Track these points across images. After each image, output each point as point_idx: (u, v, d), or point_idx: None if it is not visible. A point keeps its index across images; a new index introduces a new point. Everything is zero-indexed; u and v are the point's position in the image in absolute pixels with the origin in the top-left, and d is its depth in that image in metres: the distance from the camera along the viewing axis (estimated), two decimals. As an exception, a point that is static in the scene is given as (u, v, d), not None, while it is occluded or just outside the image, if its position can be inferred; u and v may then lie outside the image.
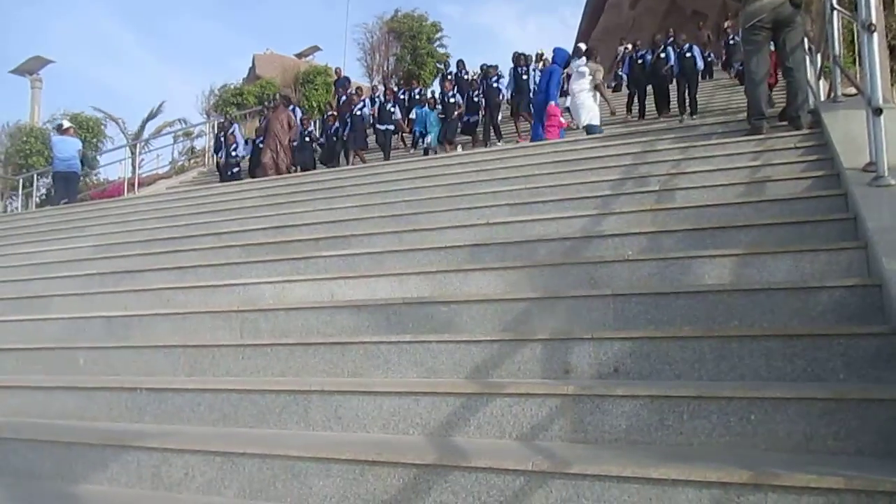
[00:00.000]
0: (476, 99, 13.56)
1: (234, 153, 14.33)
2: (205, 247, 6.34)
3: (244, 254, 5.87)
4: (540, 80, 11.63)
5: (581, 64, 10.75)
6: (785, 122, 6.34)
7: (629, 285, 3.64)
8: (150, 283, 5.56)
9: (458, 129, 13.62)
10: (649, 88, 13.46)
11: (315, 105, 22.40)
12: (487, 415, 2.71)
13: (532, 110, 13.04)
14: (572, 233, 4.57)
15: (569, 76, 11.22)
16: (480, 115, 13.63)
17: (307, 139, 14.53)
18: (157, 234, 7.43)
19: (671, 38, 13.59)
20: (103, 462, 2.96)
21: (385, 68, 29.26)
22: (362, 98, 14.82)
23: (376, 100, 15.15)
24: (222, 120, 16.73)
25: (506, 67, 14.16)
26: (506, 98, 14.14)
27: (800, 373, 2.63)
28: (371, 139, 14.76)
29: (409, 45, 28.36)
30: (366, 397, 2.96)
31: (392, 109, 14.56)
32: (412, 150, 14.50)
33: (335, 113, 14.86)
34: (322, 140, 15.04)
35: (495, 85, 13.71)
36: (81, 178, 14.77)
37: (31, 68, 21.93)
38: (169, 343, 4.09)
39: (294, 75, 26.78)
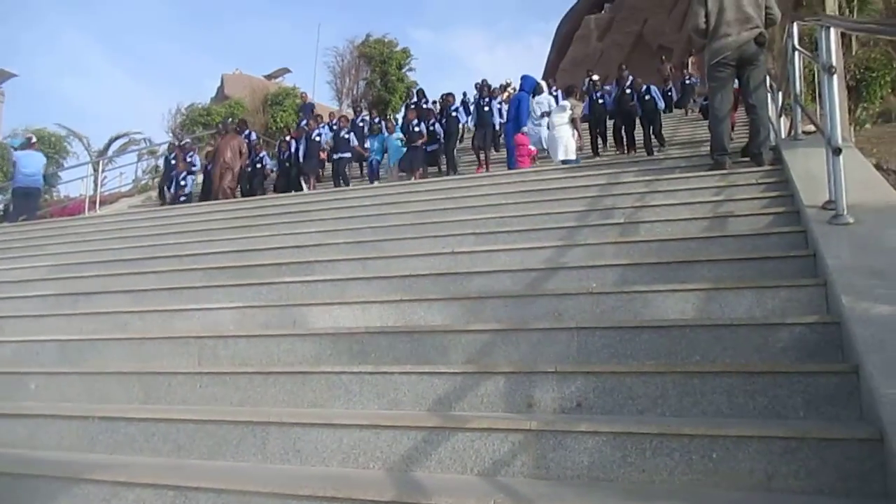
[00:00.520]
0: (431, 128, 13.11)
1: (182, 182, 13.66)
2: (165, 269, 6.22)
3: (205, 278, 5.77)
4: (509, 109, 11.68)
5: (562, 100, 11.10)
6: (747, 159, 6.46)
7: (593, 318, 3.63)
8: (107, 305, 5.43)
9: (423, 159, 13.13)
10: (611, 124, 13.41)
11: (283, 126, 22.33)
12: (449, 449, 2.66)
13: (499, 142, 13.16)
14: (537, 264, 4.57)
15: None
16: (440, 145, 13.27)
17: (259, 165, 14.10)
18: (117, 255, 7.26)
19: (629, 82, 13.26)
20: (52, 495, 2.83)
21: (355, 92, 29.30)
22: (320, 125, 14.49)
23: (334, 126, 14.64)
24: (176, 142, 16.02)
25: (473, 94, 14.11)
26: (468, 128, 13.96)
27: (761, 410, 2.64)
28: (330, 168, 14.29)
29: (380, 69, 28.47)
30: (326, 430, 2.89)
31: (347, 137, 14.04)
32: (368, 182, 13.85)
33: (289, 139, 14.45)
34: (275, 167, 14.57)
35: (454, 114, 13.46)
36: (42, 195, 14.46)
37: (-7, 81, 21.53)
38: (124, 369, 3.98)
39: (263, 96, 26.71)
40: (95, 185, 14.98)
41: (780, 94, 7.06)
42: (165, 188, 14.45)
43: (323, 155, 13.86)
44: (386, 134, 13.97)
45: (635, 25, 31.43)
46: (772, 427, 2.40)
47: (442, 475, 2.62)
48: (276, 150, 15.55)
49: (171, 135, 22.95)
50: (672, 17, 29.30)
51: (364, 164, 14.89)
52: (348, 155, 14.05)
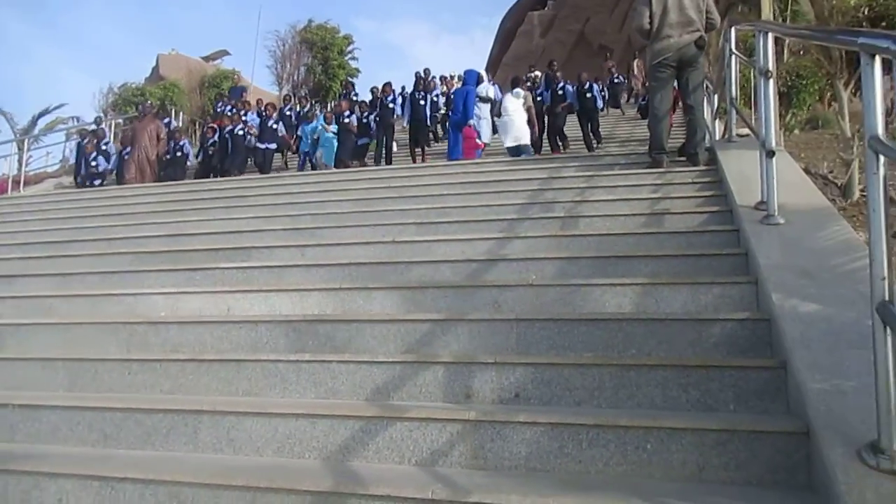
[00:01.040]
0: (365, 120, 12.86)
1: (93, 163, 12.75)
2: (93, 252, 6.00)
3: (136, 262, 5.58)
4: (455, 102, 11.66)
5: (517, 90, 11.03)
6: (683, 158, 6.61)
7: (533, 310, 3.66)
8: (30, 289, 5.20)
9: (353, 151, 12.77)
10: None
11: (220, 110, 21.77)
12: (387, 439, 2.64)
13: (438, 135, 13.05)
14: (478, 255, 4.58)
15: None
16: (372, 139, 12.94)
17: (178, 154, 12.98)
18: (42, 237, 6.97)
19: (564, 82, 13.19)
20: (-36, 485, 2.70)
21: (296, 78, 28.88)
22: (248, 111, 13.79)
23: (262, 114, 13.67)
24: (94, 126, 14.57)
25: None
26: (404, 122, 13.69)
27: (694, 403, 2.70)
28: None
29: (321, 55, 28.12)
30: (260, 419, 2.83)
31: (275, 126, 13.29)
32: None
33: (214, 126, 13.51)
34: (198, 155, 13.55)
35: (390, 105, 13.17)
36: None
37: None
38: (48, 355, 3.81)
39: (200, 78, 26.06)
40: (20, 164, 14.32)
41: (716, 97, 7.23)
42: (77, 175, 13.51)
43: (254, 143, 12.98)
44: (321, 126, 13.07)
45: (577, 24, 31.80)
46: (704, 420, 2.46)
47: (380, 465, 2.59)
48: (200, 137, 14.76)
49: (102, 115, 22.12)
50: (613, 17, 29.79)
51: (288, 154, 14.26)
52: (274, 146, 13.38)
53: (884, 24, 10.08)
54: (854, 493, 1.77)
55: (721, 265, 3.90)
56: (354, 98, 14.35)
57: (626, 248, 4.35)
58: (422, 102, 13.11)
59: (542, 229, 5.08)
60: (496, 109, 11.15)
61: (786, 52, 13.28)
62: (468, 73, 11.92)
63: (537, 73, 16.49)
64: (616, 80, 17.50)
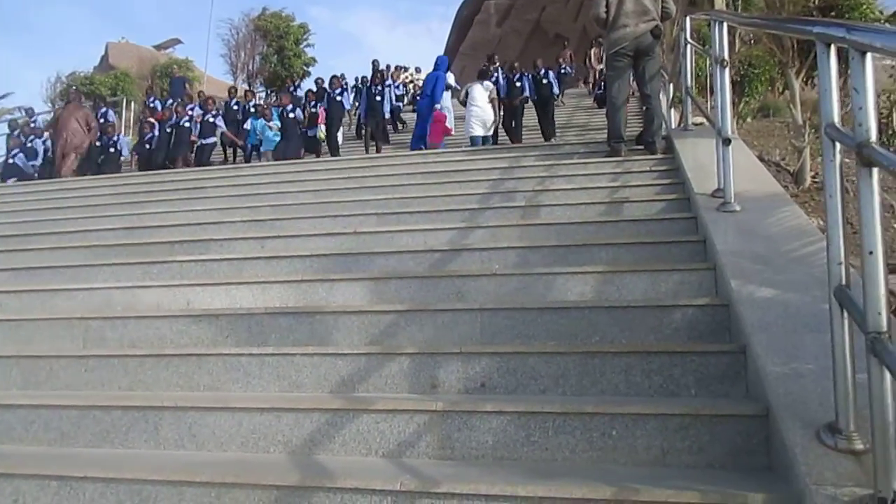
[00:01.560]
0: (313, 110, 12.52)
1: (10, 160, 12.07)
2: (45, 246, 5.82)
3: (90, 255, 5.44)
4: (425, 86, 11.73)
5: (486, 82, 11.39)
6: (641, 147, 6.68)
7: (496, 300, 3.67)
8: (-22, 284, 5.04)
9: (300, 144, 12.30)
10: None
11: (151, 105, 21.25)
12: (354, 431, 2.63)
13: (397, 127, 13.03)
14: (440, 245, 4.57)
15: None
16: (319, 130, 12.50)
17: (112, 150, 12.13)
18: (-11, 231, 6.75)
19: (522, 74, 13.10)
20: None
21: (250, 67, 28.43)
22: (191, 105, 13.19)
23: (202, 108, 12.99)
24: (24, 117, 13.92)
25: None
26: (359, 115, 13.42)
27: (657, 388, 2.75)
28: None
29: (276, 44, 27.72)
30: (224, 414, 2.79)
31: (213, 121, 12.66)
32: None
33: (152, 120, 12.90)
34: (134, 152, 12.98)
35: (339, 99, 12.82)
36: None
37: None
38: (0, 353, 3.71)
39: (151, 67, 25.51)
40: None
41: (671, 86, 7.33)
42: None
43: (194, 137, 12.54)
44: (266, 124, 12.42)
45: (533, 13, 31.84)
46: (667, 405, 2.50)
47: (346, 458, 2.58)
48: (138, 131, 13.93)
49: (49, 105, 21.52)
50: (569, 7, 29.85)
51: (235, 150, 13.71)
52: (212, 141, 12.78)
53: (833, 13, 10.30)
54: (813, 473, 1.81)
55: (680, 252, 3.96)
56: (293, 91, 13.99)
57: (587, 237, 4.38)
58: (378, 98, 12.85)
59: (503, 219, 5.09)
60: (462, 98, 11.48)
61: (737, 41, 13.50)
62: (440, 58, 12.21)
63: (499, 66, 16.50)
64: (563, 71, 17.52)
